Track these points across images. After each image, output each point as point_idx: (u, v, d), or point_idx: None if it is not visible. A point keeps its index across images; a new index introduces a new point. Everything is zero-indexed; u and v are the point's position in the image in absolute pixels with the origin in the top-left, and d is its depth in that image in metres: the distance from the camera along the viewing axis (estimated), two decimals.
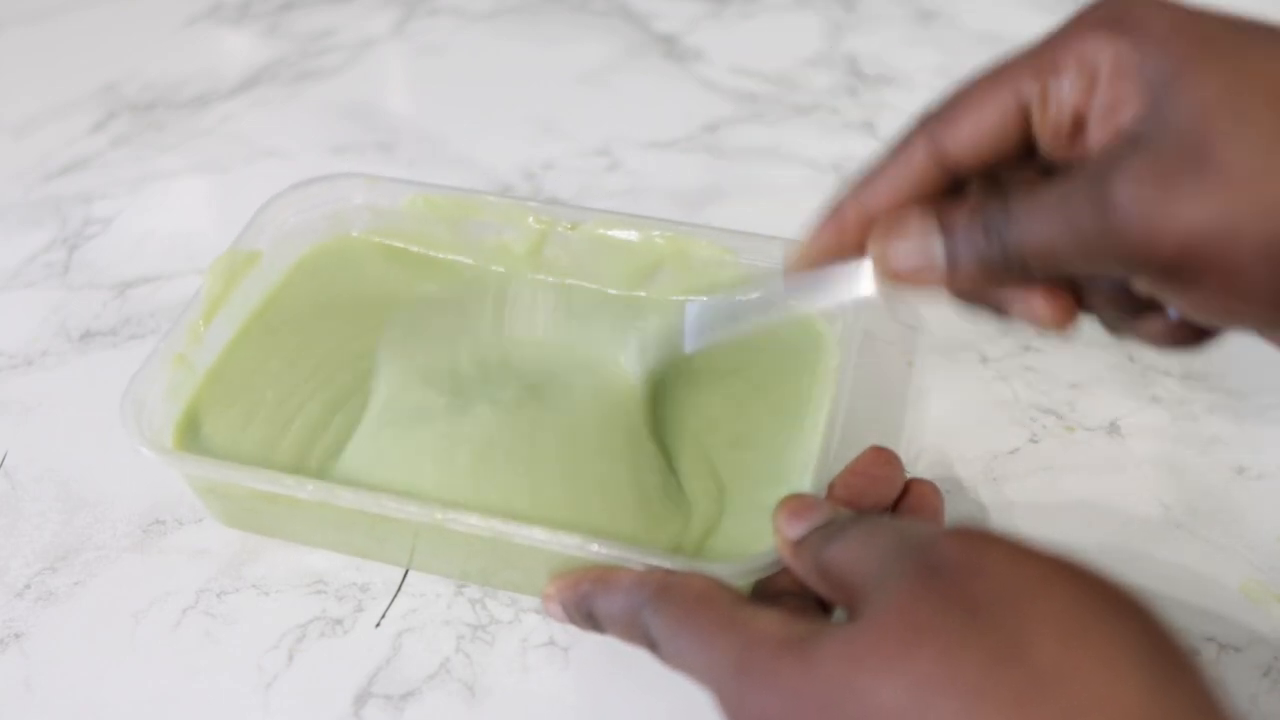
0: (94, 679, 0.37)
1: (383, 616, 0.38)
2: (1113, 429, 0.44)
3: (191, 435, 0.40)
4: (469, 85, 0.66)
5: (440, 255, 0.48)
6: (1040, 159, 0.30)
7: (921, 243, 0.29)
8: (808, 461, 0.38)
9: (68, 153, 0.60)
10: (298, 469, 0.39)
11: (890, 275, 0.30)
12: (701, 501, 0.39)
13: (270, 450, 0.40)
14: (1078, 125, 0.28)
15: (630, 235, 0.45)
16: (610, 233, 0.45)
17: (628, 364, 0.41)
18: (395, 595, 0.39)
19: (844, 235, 0.31)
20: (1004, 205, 0.27)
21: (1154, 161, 0.25)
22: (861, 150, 0.59)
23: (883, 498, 0.35)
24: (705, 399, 0.42)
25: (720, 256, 0.45)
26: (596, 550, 0.34)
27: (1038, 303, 0.29)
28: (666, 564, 0.33)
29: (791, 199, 0.56)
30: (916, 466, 0.43)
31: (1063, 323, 0.29)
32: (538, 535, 0.34)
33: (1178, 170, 0.24)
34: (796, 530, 0.30)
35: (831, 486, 0.35)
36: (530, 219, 0.46)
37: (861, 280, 0.31)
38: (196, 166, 0.59)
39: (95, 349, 0.49)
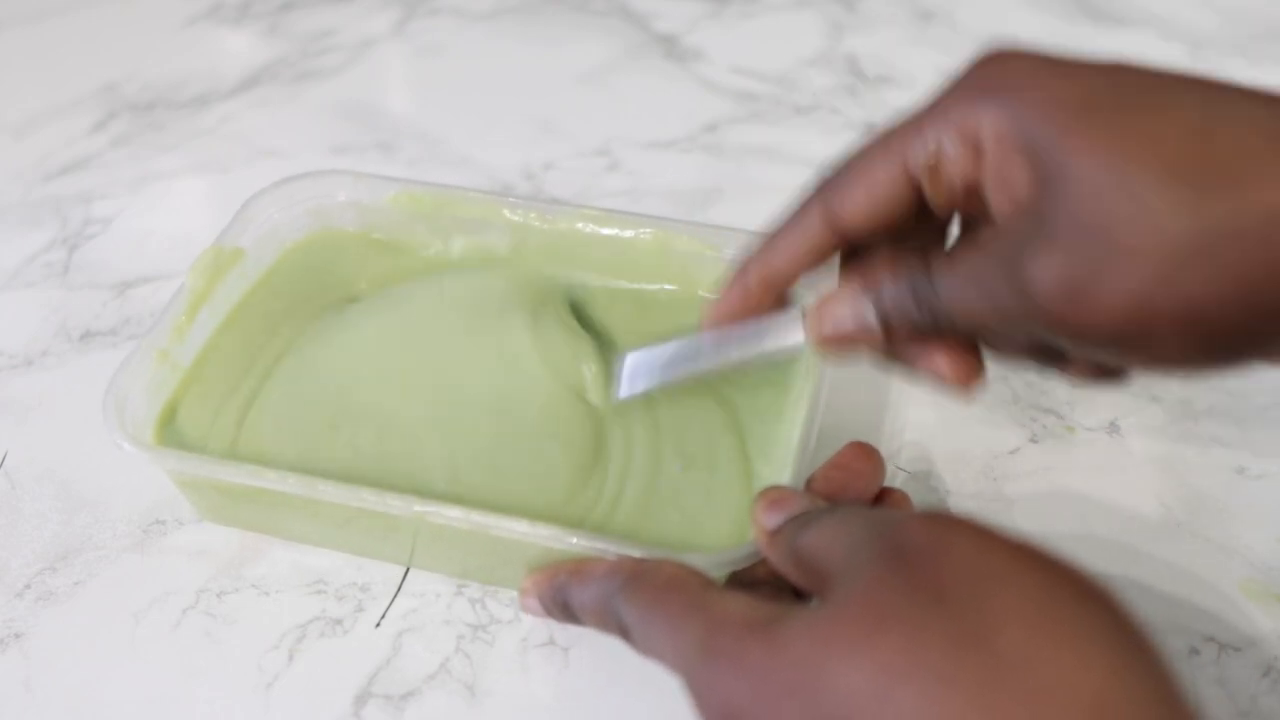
0: (94, 679, 0.37)
1: (383, 616, 0.38)
2: (1113, 429, 0.44)
3: (174, 431, 0.40)
4: (469, 85, 0.66)
5: (422, 251, 0.48)
6: (939, 222, 0.32)
7: (855, 313, 0.31)
8: (786, 455, 0.38)
9: (68, 153, 0.60)
10: (266, 463, 0.39)
11: (828, 344, 0.32)
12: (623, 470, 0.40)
13: (246, 442, 0.40)
14: (970, 191, 0.29)
15: (610, 230, 0.45)
16: (589, 228, 0.45)
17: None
18: (395, 595, 0.39)
19: (749, 297, 0.34)
20: (926, 272, 0.29)
21: (1061, 247, 0.26)
22: None
23: (862, 492, 0.35)
24: (683, 393, 0.42)
25: (702, 251, 0.45)
26: (575, 542, 0.34)
27: (942, 362, 0.31)
28: (644, 554, 0.33)
29: (791, 199, 0.56)
30: (914, 465, 0.43)
31: (968, 381, 0.31)
32: (518, 527, 0.34)
33: (1086, 257, 0.25)
34: (774, 520, 0.30)
35: (811, 480, 0.36)
36: (506, 212, 0.46)
37: (789, 332, 0.34)
38: (196, 166, 0.59)
39: (95, 349, 0.49)
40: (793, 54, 0.67)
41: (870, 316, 0.30)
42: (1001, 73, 0.28)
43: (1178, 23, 0.69)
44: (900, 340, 0.31)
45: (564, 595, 0.34)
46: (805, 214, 0.32)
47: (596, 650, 0.37)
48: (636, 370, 0.39)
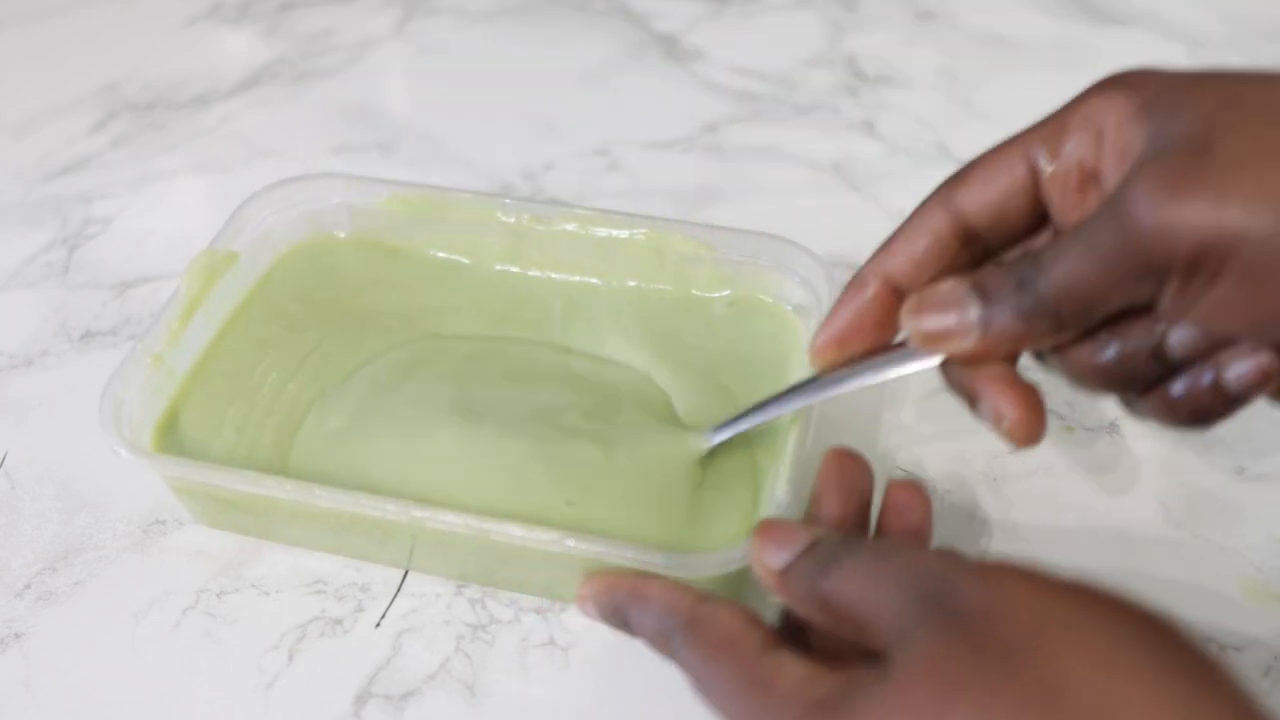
0: (94, 679, 0.37)
1: (383, 616, 0.38)
2: (1113, 429, 0.44)
3: (171, 436, 0.40)
4: (469, 85, 0.66)
5: (417, 252, 0.48)
6: (1056, 228, 0.31)
7: (957, 303, 0.30)
8: (784, 452, 0.37)
9: (68, 153, 0.60)
10: (277, 469, 0.39)
11: (924, 338, 0.31)
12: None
13: (250, 451, 0.40)
14: (1085, 178, 0.29)
15: (605, 231, 0.45)
16: (584, 229, 0.45)
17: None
18: (395, 595, 0.39)
19: (871, 305, 0.32)
20: (1033, 259, 0.29)
21: (1161, 169, 0.26)
22: (861, 150, 0.59)
23: (862, 499, 0.34)
24: (684, 388, 0.43)
25: (697, 251, 0.45)
26: (574, 546, 0.34)
27: (1006, 406, 0.30)
28: (659, 559, 0.33)
29: (791, 199, 0.56)
30: (914, 465, 0.43)
31: (1028, 433, 0.30)
32: (514, 532, 0.34)
33: (1183, 171, 0.25)
34: (780, 559, 0.29)
35: (816, 509, 0.34)
36: (499, 214, 0.46)
37: (898, 358, 0.32)
38: (196, 166, 0.59)
39: (95, 349, 0.49)
40: (793, 54, 0.67)
41: (972, 312, 0.29)
42: (1128, 75, 0.29)
43: (1178, 23, 0.69)
44: (998, 338, 0.29)
45: (623, 614, 0.33)
46: (925, 212, 0.32)
47: (596, 650, 0.37)
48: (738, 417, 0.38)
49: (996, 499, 0.41)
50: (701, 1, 0.72)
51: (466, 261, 0.47)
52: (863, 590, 0.27)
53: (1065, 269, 0.28)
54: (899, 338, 0.33)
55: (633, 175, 0.58)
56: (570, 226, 0.45)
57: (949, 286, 0.30)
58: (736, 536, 0.37)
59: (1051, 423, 0.44)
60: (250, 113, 0.63)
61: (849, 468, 0.34)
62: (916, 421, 0.44)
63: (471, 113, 0.63)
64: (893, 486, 0.34)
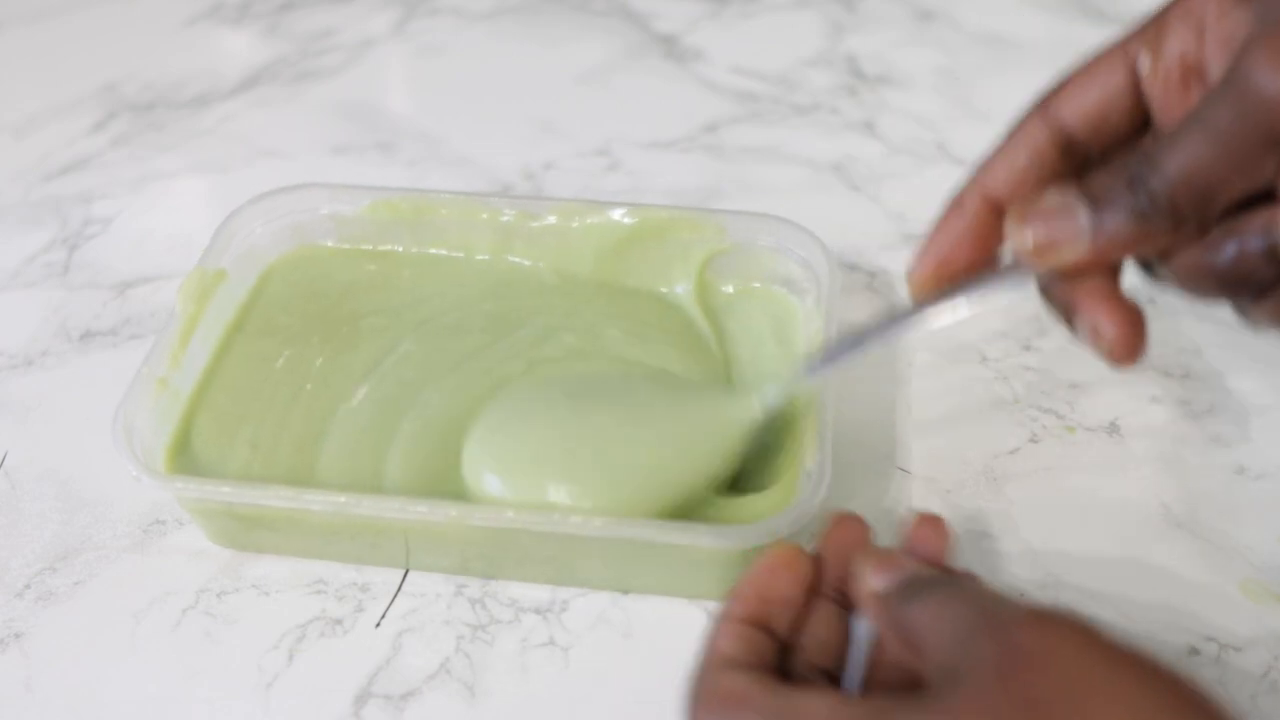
0: (94, 679, 0.37)
1: (383, 616, 0.38)
2: (1113, 429, 0.44)
3: (184, 457, 0.40)
4: (469, 85, 0.66)
5: (406, 256, 0.48)
6: (1157, 129, 0.30)
7: (1065, 209, 0.28)
8: (803, 436, 0.38)
9: (68, 153, 0.60)
10: (302, 482, 0.39)
11: (1032, 250, 0.29)
12: None
13: (267, 465, 0.40)
14: (1187, 73, 0.29)
15: (597, 220, 0.45)
16: (574, 220, 0.45)
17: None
18: (395, 595, 0.39)
19: (972, 225, 0.31)
20: (1143, 156, 0.28)
21: (1277, 39, 0.25)
22: (861, 150, 0.59)
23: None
24: (689, 372, 0.43)
25: (688, 241, 0.45)
26: (578, 523, 0.34)
27: (1105, 322, 0.29)
28: (658, 533, 0.34)
29: (791, 199, 0.56)
30: (915, 465, 0.43)
31: (1127, 349, 0.29)
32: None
33: None
34: (882, 583, 0.30)
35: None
36: (484, 214, 0.46)
37: (1003, 279, 0.31)
38: (196, 166, 0.59)
39: (95, 349, 0.49)
40: (793, 54, 0.67)
41: (1081, 218, 0.28)
42: None
43: None
44: (1111, 246, 0.28)
45: None
46: (1024, 127, 0.31)
47: (596, 650, 0.37)
48: (829, 353, 0.36)
49: (996, 499, 0.41)
50: (701, 1, 0.72)
51: (459, 255, 0.47)
52: (933, 620, 0.27)
53: (1182, 157, 0.27)
54: (1003, 258, 0.32)
55: (633, 175, 0.58)
56: (559, 219, 0.45)
57: (1054, 193, 0.29)
58: (771, 509, 0.37)
59: (1051, 422, 0.44)
60: (250, 113, 0.63)
61: (850, 531, 0.34)
62: (918, 422, 0.44)
63: (471, 113, 0.63)
64: (919, 521, 0.33)
